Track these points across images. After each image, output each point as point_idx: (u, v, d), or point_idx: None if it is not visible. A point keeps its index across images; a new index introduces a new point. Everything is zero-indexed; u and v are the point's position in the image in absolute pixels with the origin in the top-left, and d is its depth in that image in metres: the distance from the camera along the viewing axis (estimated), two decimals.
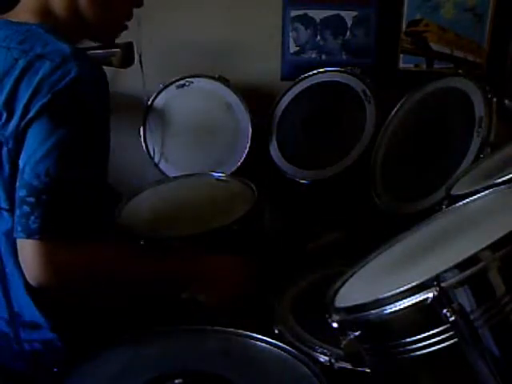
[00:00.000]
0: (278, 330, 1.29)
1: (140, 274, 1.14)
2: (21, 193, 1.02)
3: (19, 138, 1.04)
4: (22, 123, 1.02)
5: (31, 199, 1.01)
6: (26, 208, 1.01)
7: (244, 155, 2.10)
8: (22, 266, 1.05)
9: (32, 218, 1.01)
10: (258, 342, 1.09)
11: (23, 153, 1.04)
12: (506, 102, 1.65)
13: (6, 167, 1.06)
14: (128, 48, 2.05)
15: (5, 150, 1.06)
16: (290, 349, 1.07)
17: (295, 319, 1.34)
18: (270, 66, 2.39)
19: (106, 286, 1.12)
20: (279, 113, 2.23)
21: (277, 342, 1.08)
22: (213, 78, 2.20)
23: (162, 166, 2.18)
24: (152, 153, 2.19)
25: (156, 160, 2.18)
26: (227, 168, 2.05)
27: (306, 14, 2.34)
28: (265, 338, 1.09)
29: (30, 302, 1.13)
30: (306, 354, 1.12)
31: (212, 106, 2.20)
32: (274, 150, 2.18)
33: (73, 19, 1.15)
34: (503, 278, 0.83)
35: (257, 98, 2.25)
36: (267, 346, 1.08)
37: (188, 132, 2.19)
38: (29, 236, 1.01)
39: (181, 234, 1.42)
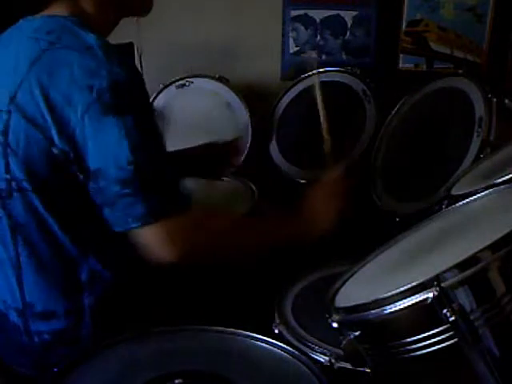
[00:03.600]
0: (278, 330, 1.29)
1: (261, 237, 1.22)
2: (114, 189, 1.04)
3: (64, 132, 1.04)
4: (75, 123, 1.03)
5: (127, 190, 1.03)
6: (126, 200, 1.03)
7: (244, 155, 2.10)
8: (149, 256, 1.07)
9: (137, 206, 1.03)
10: (258, 342, 1.09)
11: (94, 155, 1.04)
12: (506, 101, 1.65)
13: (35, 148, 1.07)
14: (128, 48, 2.05)
15: (22, 125, 1.07)
16: (290, 349, 1.07)
17: (295, 319, 1.34)
18: (270, 66, 2.39)
19: (232, 254, 1.18)
20: (279, 113, 2.23)
21: (277, 342, 1.08)
22: (213, 77, 2.21)
23: None
24: None
25: None
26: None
27: (306, 14, 2.34)
28: (265, 337, 1.09)
29: (42, 291, 1.14)
30: (305, 354, 1.12)
31: (212, 106, 2.20)
32: (273, 150, 2.18)
33: (100, 14, 1.17)
34: (503, 278, 0.83)
35: (257, 98, 2.25)
36: (267, 345, 1.08)
37: (188, 132, 2.19)
38: (143, 223, 1.04)
39: None
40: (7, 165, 1.10)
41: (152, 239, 1.07)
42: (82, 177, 1.07)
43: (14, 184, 1.09)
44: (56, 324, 1.16)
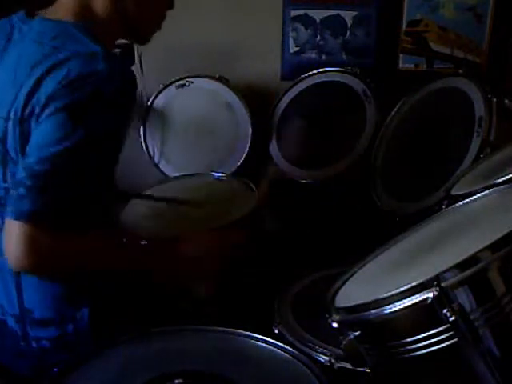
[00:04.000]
0: (278, 330, 1.29)
1: (108, 265, 1.14)
2: (21, 174, 1.03)
3: (31, 126, 1.04)
4: (42, 113, 1.03)
5: (28, 182, 1.01)
6: (21, 190, 1.01)
7: (244, 155, 2.10)
8: (5, 246, 1.05)
9: (25, 200, 1.01)
10: (258, 342, 1.09)
11: (33, 139, 1.04)
12: (506, 101, 1.65)
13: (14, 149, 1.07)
14: (128, 48, 2.05)
15: (17, 130, 1.06)
16: (290, 349, 1.07)
17: (295, 319, 1.34)
18: (270, 66, 2.39)
19: (79, 272, 1.13)
20: (279, 113, 2.23)
21: (277, 342, 1.08)
22: (213, 77, 2.21)
23: (161, 166, 2.18)
24: (152, 153, 2.19)
25: (156, 160, 2.18)
26: (227, 168, 2.05)
27: (306, 14, 2.34)
28: (265, 338, 1.09)
29: (42, 297, 1.14)
30: (305, 354, 1.12)
31: (212, 106, 2.20)
32: (273, 150, 2.18)
33: (113, 18, 1.16)
34: (503, 278, 0.83)
35: (257, 98, 2.25)
36: (267, 345, 1.08)
37: (188, 132, 2.19)
38: (18, 217, 1.01)
39: (180, 234, 1.41)
40: (5, 174, 1.09)
41: (14, 236, 1.02)
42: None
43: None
44: (54, 331, 1.16)
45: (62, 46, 1.06)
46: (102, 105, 1.04)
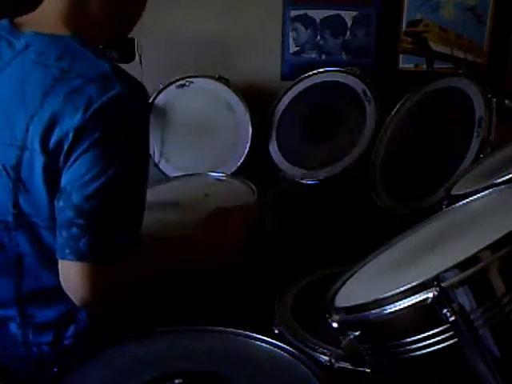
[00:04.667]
0: (278, 330, 1.29)
1: (176, 266, 1.18)
2: (68, 214, 1.01)
3: (60, 160, 1.02)
4: (74, 150, 1.00)
5: (81, 221, 1.00)
6: (75, 230, 1.00)
7: (244, 155, 2.11)
8: (65, 285, 1.05)
9: (83, 240, 1.00)
10: (257, 342, 1.09)
11: (68, 174, 1.02)
12: (506, 102, 1.65)
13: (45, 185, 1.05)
14: (129, 44, 2.05)
15: (39, 162, 1.03)
16: (290, 349, 1.07)
17: (295, 319, 1.34)
18: (270, 66, 2.39)
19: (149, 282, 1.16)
20: (279, 113, 2.23)
21: (277, 342, 1.08)
22: (213, 77, 2.21)
23: (161, 166, 2.18)
24: (152, 153, 2.19)
25: (156, 160, 2.18)
26: (227, 168, 2.05)
27: (305, 14, 2.34)
28: (265, 338, 1.09)
29: (43, 302, 1.14)
30: (306, 353, 1.12)
31: (212, 106, 2.20)
32: (273, 150, 2.18)
33: (106, 21, 1.12)
34: (503, 278, 0.83)
35: (257, 98, 2.25)
36: (267, 345, 1.08)
37: (188, 132, 2.19)
38: (79, 259, 1.01)
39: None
40: (16, 200, 1.07)
41: (77, 277, 1.03)
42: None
43: (20, 219, 1.08)
44: (54, 335, 1.15)
45: (71, 69, 1.02)
46: (129, 125, 1.02)
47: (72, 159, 1.01)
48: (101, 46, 1.18)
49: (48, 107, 1.00)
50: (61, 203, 1.02)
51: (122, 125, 1.02)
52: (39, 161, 1.02)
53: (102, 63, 1.03)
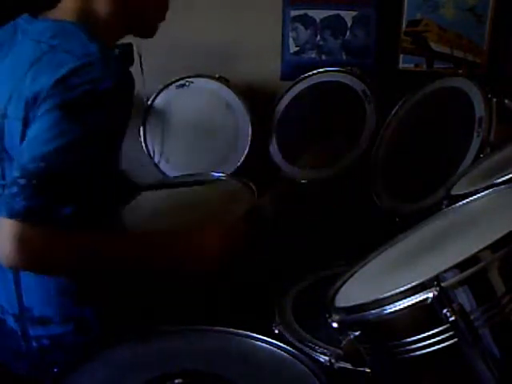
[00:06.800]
0: (278, 330, 1.29)
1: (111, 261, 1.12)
2: (15, 173, 1.02)
3: (29, 121, 1.04)
4: (38, 111, 1.02)
5: (22, 181, 1.00)
6: (15, 189, 1.00)
7: (244, 155, 2.11)
8: None
9: (17, 199, 1.00)
10: (257, 342, 1.09)
11: (27, 137, 1.04)
12: (506, 101, 1.65)
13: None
14: (127, 49, 2.05)
15: (18, 128, 1.06)
16: (290, 349, 1.07)
17: (295, 319, 1.34)
18: (270, 66, 2.39)
19: (79, 271, 1.11)
20: (279, 113, 2.23)
21: (277, 342, 1.08)
22: (213, 77, 2.21)
23: (161, 166, 2.18)
24: (152, 153, 2.19)
25: (156, 160, 2.18)
26: (227, 168, 2.05)
27: (306, 14, 2.34)
28: (265, 337, 1.09)
29: (41, 296, 1.14)
30: (306, 354, 1.12)
31: (212, 106, 2.20)
32: (273, 150, 2.18)
33: (115, 16, 1.16)
34: (503, 278, 0.83)
35: (257, 98, 2.25)
36: (267, 345, 1.08)
37: (188, 132, 2.19)
38: (10, 216, 1.00)
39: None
40: (3, 170, 1.09)
41: (6, 235, 1.01)
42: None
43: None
44: (55, 329, 1.16)
45: (59, 45, 1.06)
46: (96, 103, 1.03)
47: (31, 121, 1.03)
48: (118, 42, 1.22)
49: (30, 77, 1.04)
50: (15, 163, 1.04)
51: (89, 98, 1.02)
52: (18, 128, 1.05)
53: (92, 45, 1.06)
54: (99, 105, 1.04)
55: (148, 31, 1.27)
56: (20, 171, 1.01)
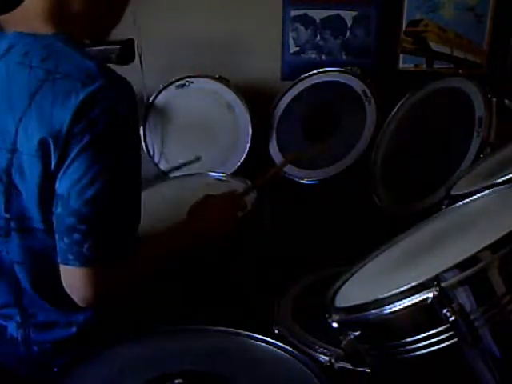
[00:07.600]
0: (278, 330, 1.29)
1: (174, 256, 1.20)
2: (69, 221, 1.00)
3: (58, 164, 1.00)
4: (67, 154, 0.99)
5: (83, 227, 0.99)
6: (77, 236, 1.00)
7: (244, 155, 2.11)
8: (69, 290, 1.05)
9: (85, 245, 1.00)
10: (257, 342, 1.09)
11: (64, 180, 1.01)
12: (506, 101, 1.65)
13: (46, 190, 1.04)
14: (129, 45, 2.04)
15: (34, 164, 1.02)
16: (290, 349, 1.07)
17: (295, 319, 1.34)
18: (270, 66, 2.39)
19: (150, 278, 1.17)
20: (279, 113, 2.23)
21: (277, 342, 1.08)
22: (213, 77, 2.21)
23: (161, 165, 2.18)
24: (152, 153, 2.19)
25: (156, 160, 2.18)
26: (227, 168, 2.05)
27: (305, 14, 2.35)
28: (265, 338, 1.09)
29: (43, 304, 1.13)
30: (306, 353, 1.12)
31: (212, 106, 2.20)
32: (273, 150, 2.18)
33: (89, 18, 1.10)
34: (503, 278, 0.83)
35: (257, 98, 2.25)
36: (267, 345, 1.08)
37: (188, 132, 2.19)
38: (83, 264, 1.01)
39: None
40: (7, 204, 1.06)
41: (81, 282, 1.02)
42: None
43: (12, 223, 1.07)
44: (59, 333, 1.15)
45: (56, 69, 1.00)
46: (121, 128, 1.02)
47: (66, 164, 1.00)
48: (87, 41, 1.17)
49: (36, 108, 0.99)
50: (59, 210, 1.01)
51: (111, 123, 1.00)
52: (29, 162, 1.01)
53: (88, 63, 1.02)
54: (124, 127, 1.03)
55: (107, 34, 1.20)
56: (75, 217, 0.99)
